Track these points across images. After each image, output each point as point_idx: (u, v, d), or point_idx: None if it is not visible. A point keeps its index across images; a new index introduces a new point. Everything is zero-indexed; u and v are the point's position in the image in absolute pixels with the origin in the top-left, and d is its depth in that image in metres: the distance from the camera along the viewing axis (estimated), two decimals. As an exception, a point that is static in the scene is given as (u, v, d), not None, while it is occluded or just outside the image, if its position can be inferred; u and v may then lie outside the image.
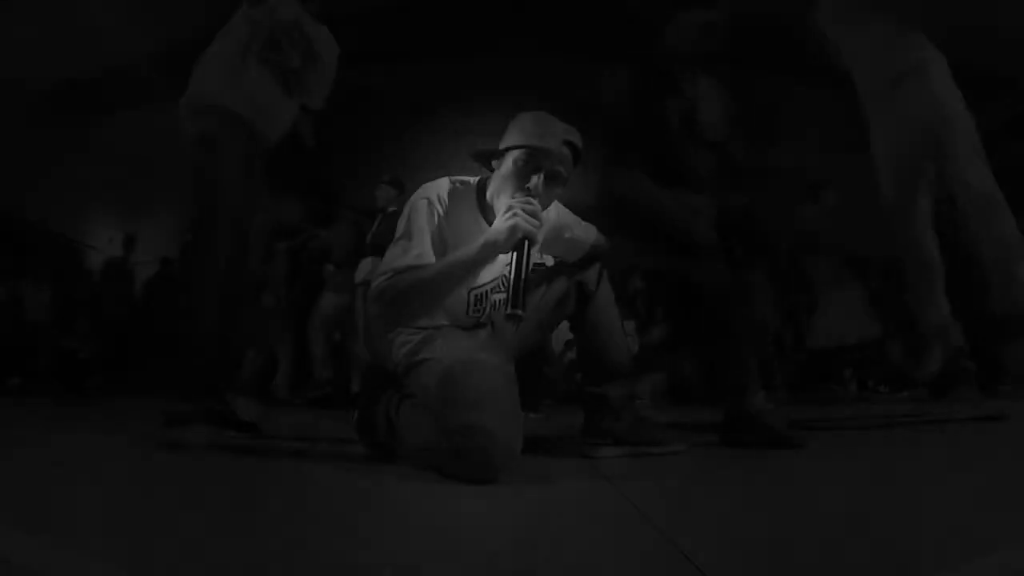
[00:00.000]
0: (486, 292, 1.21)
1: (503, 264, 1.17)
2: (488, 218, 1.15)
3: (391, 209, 3.54)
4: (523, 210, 1.02)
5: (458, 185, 1.18)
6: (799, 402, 3.87)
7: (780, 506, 0.79)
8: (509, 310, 0.98)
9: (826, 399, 4.58)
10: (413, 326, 1.15)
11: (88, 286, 5.04)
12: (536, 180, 1.09)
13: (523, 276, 0.99)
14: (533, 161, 1.10)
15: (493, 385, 0.97)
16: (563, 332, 1.53)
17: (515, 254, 1.01)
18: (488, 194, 1.17)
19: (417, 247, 1.07)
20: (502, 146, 1.15)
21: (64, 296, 4.67)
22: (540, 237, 1.05)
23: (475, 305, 1.21)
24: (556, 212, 1.28)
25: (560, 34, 5.44)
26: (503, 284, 1.21)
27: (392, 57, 5.48)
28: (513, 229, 1.01)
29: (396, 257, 1.07)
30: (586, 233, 1.32)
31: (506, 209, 1.04)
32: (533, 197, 1.06)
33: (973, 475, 0.98)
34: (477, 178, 1.21)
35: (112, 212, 6.05)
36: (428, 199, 1.13)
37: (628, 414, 1.29)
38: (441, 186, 1.16)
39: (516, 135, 1.13)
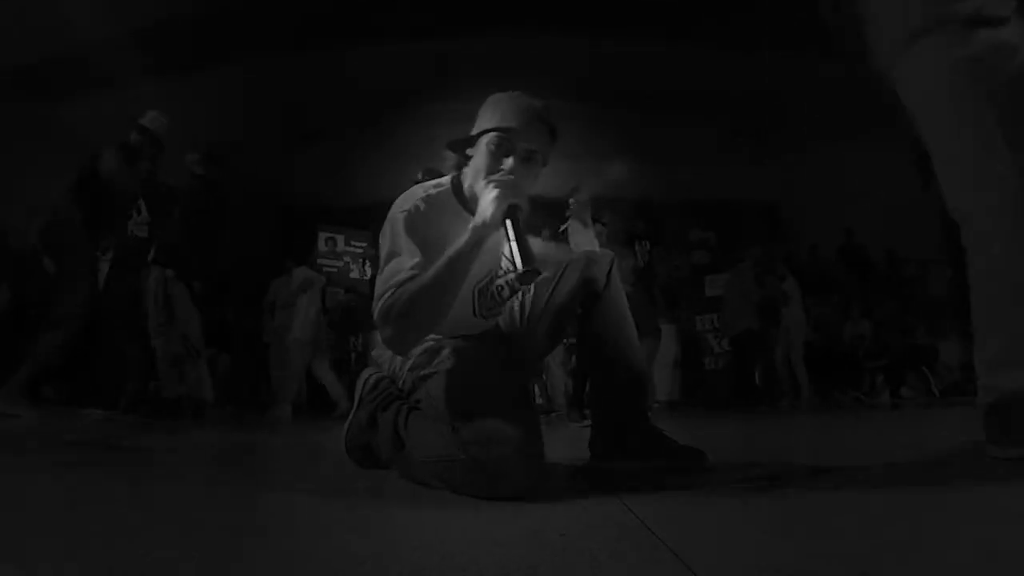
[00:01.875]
0: (487, 283, 1.25)
1: (497, 255, 1.22)
2: (472, 211, 1.17)
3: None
4: (501, 181, 1.06)
5: (432, 190, 1.22)
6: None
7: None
8: (522, 268, 1.01)
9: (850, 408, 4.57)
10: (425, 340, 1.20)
11: (44, 288, 4.98)
12: (511, 161, 1.13)
13: (523, 239, 1.03)
14: (506, 143, 1.14)
15: (510, 393, 1.05)
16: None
17: (508, 223, 1.05)
18: (466, 187, 1.21)
19: (410, 258, 1.09)
20: (474, 132, 1.19)
21: (21, 299, 4.62)
22: (526, 202, 1.08)
23: (480, 300, 1.25)
24: None
25: (555, 11, 5.44)
26: (496, 274, 1.27)
27: (367, 37, 5.46)
28: (497, 201, 1.04)
29: (392, 275, 1.09)
30: (557, 252, 1.40)
31: (484, 187, 1.08)
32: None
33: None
34: (450, 176, 1.26)
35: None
36: (407, 211, 1.16)
37: (638, 427, 1.28)
38: (416, 195, 1.20)
39: (487, 119, 1.17)
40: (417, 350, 1.20)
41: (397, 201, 1.20)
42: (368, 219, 4.77)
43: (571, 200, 3.47)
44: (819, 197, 6.93)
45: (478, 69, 5.35)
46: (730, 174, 7.09)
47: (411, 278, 1.06)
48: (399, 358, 1.22)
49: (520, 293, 1.34)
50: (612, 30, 5.62)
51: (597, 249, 1.40)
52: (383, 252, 1.15)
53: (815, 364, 5.50)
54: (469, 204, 1.19)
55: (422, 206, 1.17)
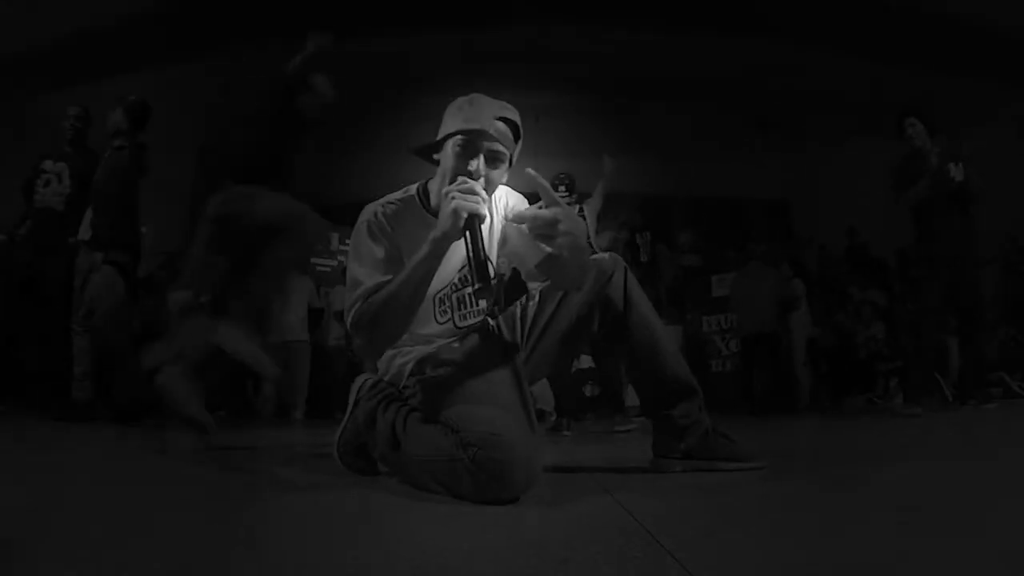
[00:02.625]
0: (448, 293, 1.28)
1: (456, 266, 1.24)
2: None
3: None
4: (459, 192, 1.07)
5: (395, 198, 1.27)
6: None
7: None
8: (475, 287, 1.05)
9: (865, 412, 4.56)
10: (405, 344, 1.25)
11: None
12: (476, 163, 1.15)
13: (481, 253, 1.06)
14: (470, 145, 1.16)
15: (507, 398, 1.08)
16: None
17: (467, 234, 1.07)
18: (432, 194, 1.25)
19: (375, 267, 1.17)
20: (439, 136, 1.21)
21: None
22: (485, 210, 1.10)
23: (440, 307, 1.28)
24: (518, 201, 1.34)
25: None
26: (460, 283, 1.28)
27: (364, 34, 5.44)
28: (455, 213, 1.05)
29: (357, 284, 1.16)
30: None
31: (444, 198, 1.09)
32: (475, 179, 1.12)
33: None
34: (416, 185, 1.29)
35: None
36: (368, 220, 1.23)
37: (696, 430, 1.30)
38: (379, 204, 1.26)
39: (449, 122, 1.20)
40: (411, 354, 1.24)
41: (363, 210, 1.25)
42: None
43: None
44: (822, 196, 6.93)
45: (477, 67, 5.36)
46: (733, 171, 7.10)
47: (377, 286, 1.13)
48: (396, 363, 1.26)
49: (522, 302, 1.35)
50: (613, 24, 5.63)
51: (605, 254, 1.38)
52: (350, 259, 1.22)
53: (827, 366, 5.50)
54: (434, 210, 1.22)
55: (382, 214, 1.23)
